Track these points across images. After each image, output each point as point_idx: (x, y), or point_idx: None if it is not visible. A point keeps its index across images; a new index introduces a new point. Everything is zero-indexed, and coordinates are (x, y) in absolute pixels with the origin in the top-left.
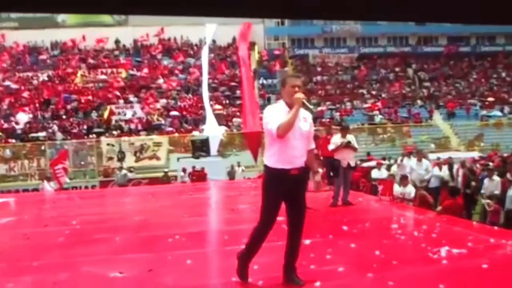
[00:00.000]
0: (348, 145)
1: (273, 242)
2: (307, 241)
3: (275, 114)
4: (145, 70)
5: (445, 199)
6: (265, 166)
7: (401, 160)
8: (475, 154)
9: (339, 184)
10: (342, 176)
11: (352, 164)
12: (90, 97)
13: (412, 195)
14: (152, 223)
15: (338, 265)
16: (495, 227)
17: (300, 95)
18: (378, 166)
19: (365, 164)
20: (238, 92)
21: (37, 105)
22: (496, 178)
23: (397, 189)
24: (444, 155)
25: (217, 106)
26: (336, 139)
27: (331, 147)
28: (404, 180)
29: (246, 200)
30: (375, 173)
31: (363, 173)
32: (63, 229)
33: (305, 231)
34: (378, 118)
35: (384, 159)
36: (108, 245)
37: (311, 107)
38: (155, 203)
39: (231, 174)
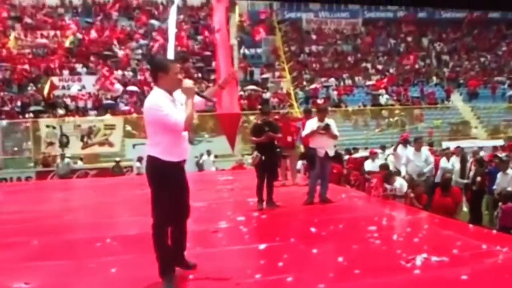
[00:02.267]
0: (326, 130)
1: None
2: (262, 246)
3: (167, 105)
4: (97, 34)
5: (437, 195)
6: (152, 158)
7: (395, 149)
8: (500, 143)
9: (315, 178)
10: (319, 168)
11: (331, 153)
12: (26, 66)
13: (404, 190)
14: (83, 224)
15: (287, 275)
16: (494, 231)
17: (190, 84)
18: (372, 156)
19: (357, 155)
20: (213, 64)
21: None
22: (511, 172)
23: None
24: (463, 144)
25: (187, 81)
26: (312, 123)
27: (305, 132)
28: (390, 176)
29: (209, 197)
30: (368, 165)
31: (355, 164)
32: None
33: (264, 233)
34: (384, 99)
35: (383, 148)
36: (21, 250)
37: (213, 99)
38: (95, 199)
39: (199, 164)
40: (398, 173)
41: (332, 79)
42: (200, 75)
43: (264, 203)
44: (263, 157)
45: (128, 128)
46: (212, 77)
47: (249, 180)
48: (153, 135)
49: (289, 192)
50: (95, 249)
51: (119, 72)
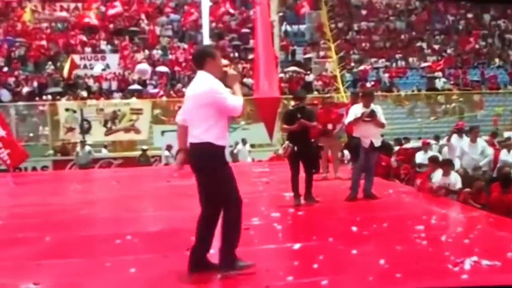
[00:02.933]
0: (371, 117)
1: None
2: (296, 245)
3: (224, 89)
4: (122, 7)
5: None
6: (207, 144)
7: (449, 140)
8: None
9: (359, 171)
10: (363, 160)
11: (377, 143)
12: (43, 43)
13: (458, 186)
14: (102, 219)
15: (322, 277)
16: None
17: (234, 71)
18: (424, 147)
19: (408, 145)
20: (251, 41)
21: None
22: None
23: (438, 177)
24: None
25: (223, 61)
26: (356, 110)
27: (349, 119)
28: (446, 166)
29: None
30: (420, 157)
31: (406, 156)
32: None
33: (299, 232)
34: (440, 83)
35: (437, 138)
36: (32, 246)
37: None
38: (117, 192)
39: (233, 155)
40: (452, 166)
41: (383, 60)
42: (236, 54)
43: (302, 198)
44: (295, 148)
45: (157, 113)
46: (250, 56)
47: (287, 173)
48: (204, 120)
49: (330, 186)
50: (113, 246)
51: (147, 51)
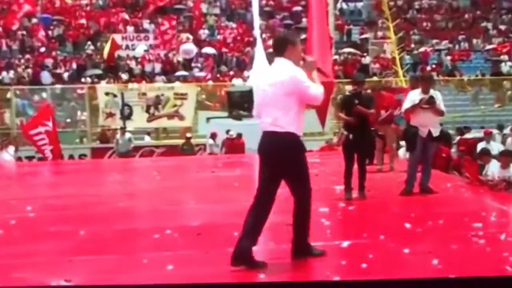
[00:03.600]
0: (430, 104)
1: None
2: (345, 243)
3: (306, 77)
4: None
5: None
6: (291, 134)
7: None
8: None
9: (415, 163)
10: (420, 151)
11: (435, 133)
12: (83, 21)
13: None
14: (140, 212)
15: (371, 277)
16: None
17: (312, 58)
18: (486, 137)
19: (469, 135)
20: (304, 20)
21: None
22: None
23: (494, 170)
24: None
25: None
26: (414, 95)
27: (405, 106)
28: (505, 158)
29: None
30: (481, 147)
31: (467, 147)
32: (8, 217)
33: (349, 228)
34: (506, 67)
35: (501, 127)
36: (65, 241)
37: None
38: (158, 183)
39: None
40: None
41: (446, 42)
42: None
43: (353, 192)
44: (351, 136)
45: (203, 98)
46: (302, 36)
47: (338, 164)
48: (287, 109)
49: (384, 179)
50: (151, 241)
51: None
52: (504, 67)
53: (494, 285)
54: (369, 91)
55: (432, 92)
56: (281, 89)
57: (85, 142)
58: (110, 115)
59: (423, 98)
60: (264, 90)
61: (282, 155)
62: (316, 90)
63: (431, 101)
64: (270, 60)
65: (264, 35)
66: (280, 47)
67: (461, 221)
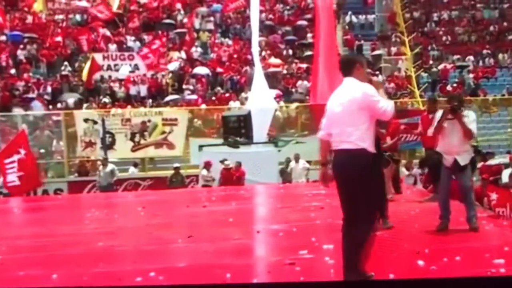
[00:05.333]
0: (455, 115)
1: None
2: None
3: (376, 93)
4: None
5: None
6: (364, 151)
7: None
8: None
9: (443, 194)
10: (445, 182)
11: (463, 161)
12: (59, 39)
13: None
14: (121, 252)
15: None
16: None
17: (378, 79)
18: None
19: (493, 161)
20: (309, 36)
21: None
22: None
23: None
24: None
25: (274, 60)
26: (439, 116)
27: (431, 131)
28: None
29: (291, 217)
30: (506, 175)
31: (490, 174)
32: None
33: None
34: None
35: None
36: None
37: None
38: (142, 219)
39: (286, 174)
40: None
41: (469, 57)
42: (290, 51)
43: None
44: None
45: (196, 124)
46: (307, 53)
47: None
48: (359, 125)
49: (395, 210)
50: (133, 285)
51: (184, 49)
52: None
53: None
54: None
55: (466, 112)
56: (354, 105)
57: (62, 175)
58: (90, 144)
59: (445, 109)
60: (335, 109)
61: (354, 174)
62: (386, 104)
63: (455, 109)
64: (270, 80)
65: (264, 53)
66: (348, 68)
67: (481, 256)
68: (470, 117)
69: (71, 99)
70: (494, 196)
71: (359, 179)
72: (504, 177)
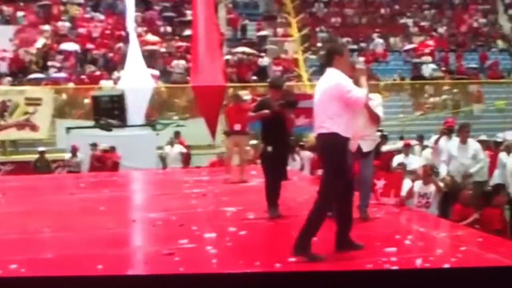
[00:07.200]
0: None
1: None
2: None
3: (350, 83)
4: None
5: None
6: (334, 134)
7: (436, 142)
8: None
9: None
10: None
11: (366, 148)
12: None
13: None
14: None
15: None
16: None
17: (362, 65)
18: (405, 149)
19: (386, 147)
20: (188, 13)
21: None
22: None
23: (416, 186)
24: None
25: (150, 37)
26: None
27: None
28: (427, 174)
29: (170, 205)
30: (398, 161)
31: (382, 161)
32: None
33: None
34: (428, 69)
35: (420, 138)
36: None
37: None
38: (3, 207)
39: (163, 159)
40: (435, 173)
41: (358, 40)
42: (169, 29)
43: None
44: (269, 148)
45: (62, 103)
46: (186, 32)
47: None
48: (333, 113)
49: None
50: None
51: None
52: (426, 70)
53: None
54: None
55: (372, 95)
56: (328, 94)
57: None
58: None
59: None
60: (315, 98)
61: (325, 156)
62: (357, 93)
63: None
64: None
65: (140, 29)
66: (328, 58)
67: (372, 245)
68: (375, 100)
69: None
70: (380, 183)
71: (329, 162)
72: (395, 163)
